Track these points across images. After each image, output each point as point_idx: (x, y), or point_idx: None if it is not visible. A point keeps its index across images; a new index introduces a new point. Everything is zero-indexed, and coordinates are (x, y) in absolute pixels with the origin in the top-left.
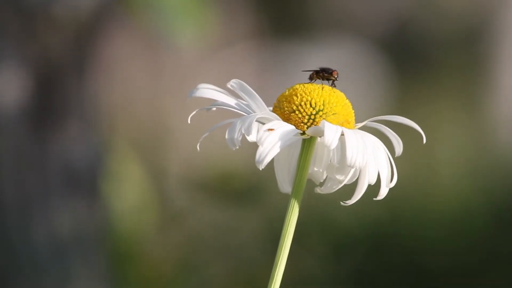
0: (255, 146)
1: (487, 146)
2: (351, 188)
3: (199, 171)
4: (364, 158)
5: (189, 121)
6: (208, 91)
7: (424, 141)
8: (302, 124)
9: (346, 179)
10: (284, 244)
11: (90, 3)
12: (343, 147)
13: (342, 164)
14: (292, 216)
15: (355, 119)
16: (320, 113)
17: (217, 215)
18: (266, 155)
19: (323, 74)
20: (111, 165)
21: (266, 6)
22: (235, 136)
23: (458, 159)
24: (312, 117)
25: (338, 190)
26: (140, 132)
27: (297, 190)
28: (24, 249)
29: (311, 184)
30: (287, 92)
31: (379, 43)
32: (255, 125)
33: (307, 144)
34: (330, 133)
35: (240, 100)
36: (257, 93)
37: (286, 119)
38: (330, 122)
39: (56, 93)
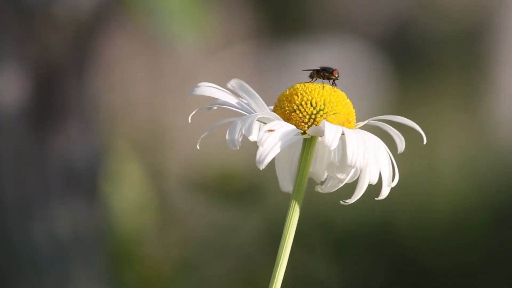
0: (255, 146)
1: (487, 146)
2: (351, 187)
3: (199, 171)
4: (365, 158)
5: (189, 121)
6: (209, 89)
7: (425, 141)
8: (302, 123)
9: (347, 178)
10: (285, 243)
11: (90, 3)
12: (344, 147)
13: (343, 163)
14: (293, 215)
15: (355, 119)
16: (321, 112)
17: (217, 215)
18: (266, 155)
19: (324, 73)
20: (111, 165)
21: (265, 6)
22: (236, 137)
23: (458, 159)
24: (313, 116)
25: (338, 189)
26: (140, 132)
27: (298, 190)
28: (24, 249)
29: (311, 183)
30: (287, 92)
31: (379, 43)
32: (256, 125)
33: (308, 143)
34: (331, 134)
35: (241, 99)
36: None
37: (287, 118)
38: (331, 122)
39: (56, 93)
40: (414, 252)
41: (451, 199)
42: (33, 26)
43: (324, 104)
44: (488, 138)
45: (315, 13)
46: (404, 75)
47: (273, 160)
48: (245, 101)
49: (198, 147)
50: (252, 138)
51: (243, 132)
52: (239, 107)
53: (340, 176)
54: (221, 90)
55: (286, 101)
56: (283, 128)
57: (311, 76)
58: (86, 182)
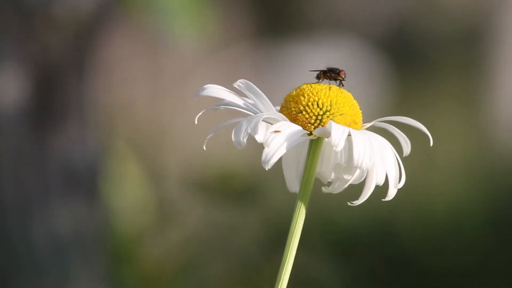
0: (255, 146)
1: (487, 146)
2: (355, 187)
3: (199, 171)
4: (371, 159)
5: (196, 122)
6: (215, 90)
7: (431, 143)
8: (309, 124)
9: (353, 179)
10: (291, 243)
11: (90, 3)
12: (351, 148)
13: (349, 164)
14: (299, 216)
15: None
16: (327, 113)
17: (217, 215)
18: (272, 156)
19: (330, 74)
20: (111, 165)
21: (265, 6)
22: (241, 137)
23: (457, 159)
24: (319, 117)
25: (342, 190)
26: (140, 132)
27: (304, 190)
28: (24, 249)
29: (316, 184)
30: (294, 92)
31: (379, 43)
32: (261, 125)
33: (315, 144)
34: (337, 135)
35: (247, 100)
36: None
37: (293, 119)
38: (337, 123)
39: (56, 93)
40: (414, 252)
41: (451, 199)
42: (33, 26)
43: (330, 105)
44: (488, 138)
45: (314, 13)
46: (404, 75)
47: (278, 161)
48: (252, 102)
49: (204, 148)
50: (258, 138)
51: (249, 131)
52: (245, 107)
53: (347, 177)
54: (227, 91)
55: (293, 101)
56: (289, 129)
57: (318, 77)
58: (86, 182)
